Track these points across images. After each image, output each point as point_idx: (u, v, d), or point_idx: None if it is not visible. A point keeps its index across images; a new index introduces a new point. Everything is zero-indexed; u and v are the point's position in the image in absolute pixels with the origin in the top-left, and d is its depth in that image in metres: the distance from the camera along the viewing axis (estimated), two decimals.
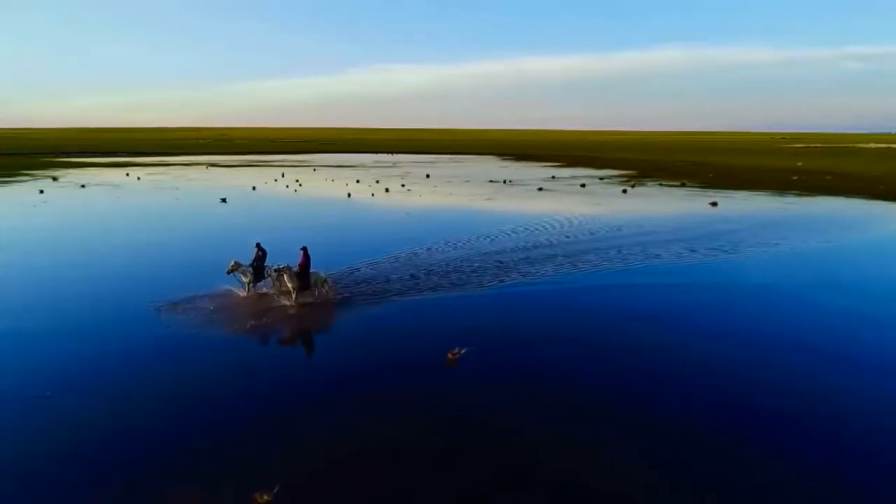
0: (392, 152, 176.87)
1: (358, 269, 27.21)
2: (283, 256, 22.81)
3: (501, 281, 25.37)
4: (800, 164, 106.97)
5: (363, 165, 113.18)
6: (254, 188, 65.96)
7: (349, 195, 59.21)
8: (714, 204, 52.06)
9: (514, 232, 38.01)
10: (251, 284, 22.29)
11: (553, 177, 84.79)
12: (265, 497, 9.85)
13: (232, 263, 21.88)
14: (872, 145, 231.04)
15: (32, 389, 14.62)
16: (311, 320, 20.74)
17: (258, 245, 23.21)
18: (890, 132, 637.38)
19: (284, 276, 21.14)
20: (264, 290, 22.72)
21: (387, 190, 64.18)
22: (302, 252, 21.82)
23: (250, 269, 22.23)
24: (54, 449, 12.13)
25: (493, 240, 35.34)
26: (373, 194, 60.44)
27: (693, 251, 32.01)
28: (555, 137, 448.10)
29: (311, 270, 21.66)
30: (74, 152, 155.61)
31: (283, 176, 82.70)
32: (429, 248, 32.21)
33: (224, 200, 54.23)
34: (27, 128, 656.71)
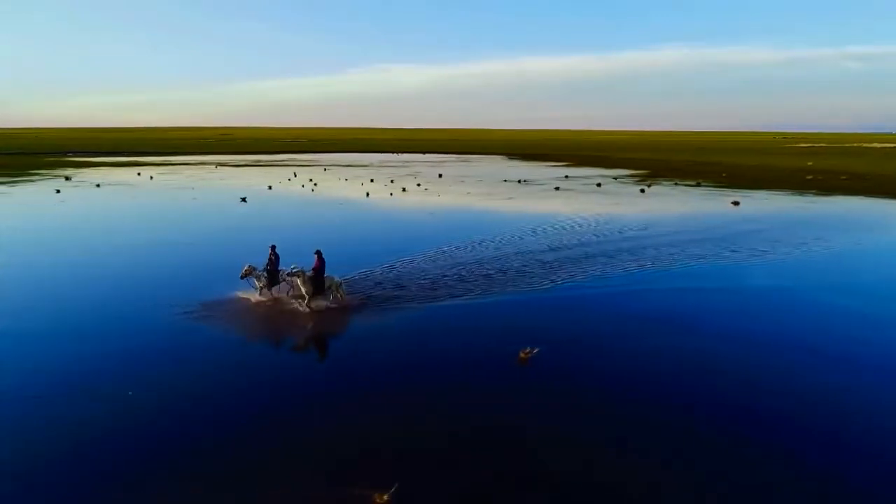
0: (397, 152, 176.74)
1: (393, 267, 27.15)
2: (307, 258, 22.09)
3: (553, 282, 25.01)
4: (810, 163, 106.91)
5: (372, 165, 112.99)
6: (270, 188, 65.77)
7: (367, 194, 59.03)
8: (736, 203, 51.92)
9: (542, 231, 37.84)
10: (265, 289, 21.78)
11: (566, 176, 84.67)
12: (384, 497, 9.68)
13: (246, 268, 21.47)
14: (877, 145, 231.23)
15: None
16: (361, 323, 20.16)
17: (272, 248, 22.64)
18: (891, 132, 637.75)
19: (298, 279, 20.58)
20: (278, 294, 22.15)
21: (403, 189, 64.00)
22: (316, 256, 21.30)
23: (264, 273, 21.75)
24: (78, 451, 12.01)
25: (522, 238, 35.21)
26: (391, 193, 60.27)
27: (734, 251, 31.59)
28: (557, 137, 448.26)
29: (325, 275, 21.07)
30: (78, 152, 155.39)
31: (294, 176, 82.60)
32: (457, 248, 31.99)
33: (244, 200, 54.09)
34: (27, 127, 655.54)
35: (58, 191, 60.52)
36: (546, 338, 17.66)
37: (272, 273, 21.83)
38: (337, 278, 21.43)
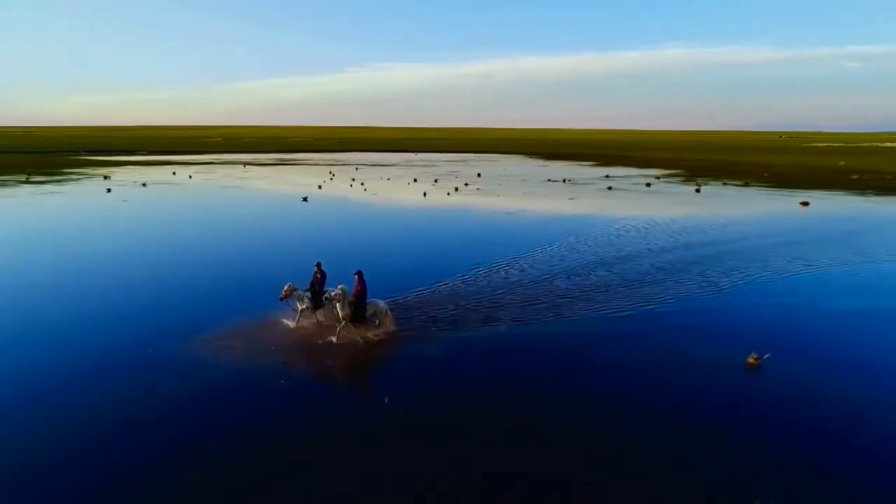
0: (414, 151, 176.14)
1: (512, 264, 26.68)
2: (377, 271, 20.63)
3: (718, 287, 24.26)
4: (842, 163, 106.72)
5: (399, 164, 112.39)
6: (319, 187, 65.15)
7: (425, 194, 58.47)
8: (805, 204, 51.48)
9: (634, 232, 37.32)
10: (308, 312, 18.75)
11: (607, 176, 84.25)
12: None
13: (286, 288, 18.46)
14: (889, 145, 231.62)
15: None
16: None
17: (318, 265, 19.52)
18: (892, 131, 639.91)
19: (336, 304, 17.73)
20: (323, 317, 19.04)
21: (456, 189, 63.43)
22: (356, 277, 18.27)
23: (307, 293, 18.68)
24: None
25: (620, 238, 34.87)
26: (448, 193, 59.72)
27: (867, 258, 29.94)
28: (563, 136, 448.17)
29: (368, 300, 18.17)
30: (91, 151, 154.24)
31: (332, 176, 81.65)
32: (559, 249, 31.65)
33: (305, 199, 53.58)
34: (26, 126, 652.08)
35: (109, 190, 59.84)
36: (770, 346, 17.10)
37: (316, 294, 18.66)
38: (382, 304, 18.34)
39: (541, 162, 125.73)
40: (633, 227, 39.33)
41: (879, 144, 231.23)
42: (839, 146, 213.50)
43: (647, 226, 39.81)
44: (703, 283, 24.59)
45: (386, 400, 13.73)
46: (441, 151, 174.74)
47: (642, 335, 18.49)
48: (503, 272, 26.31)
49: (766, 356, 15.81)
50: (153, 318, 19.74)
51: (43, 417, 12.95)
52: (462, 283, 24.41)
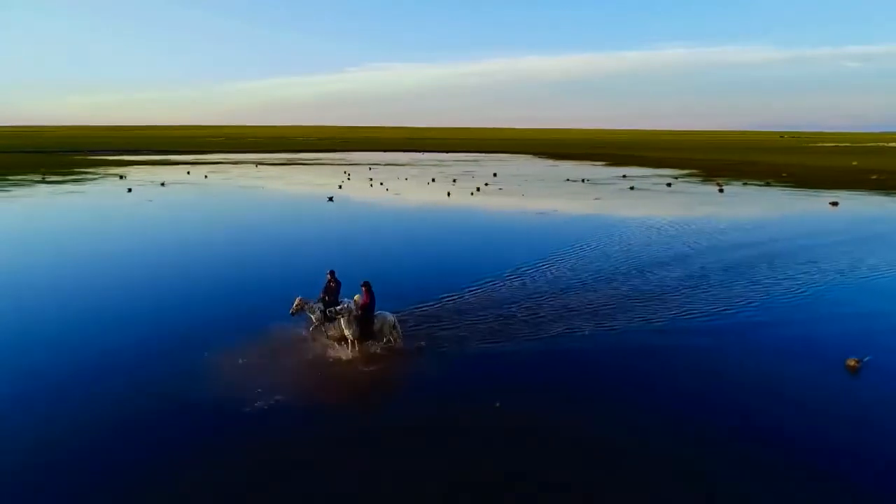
0: (421, 151, 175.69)
1: (557, 264, 26.33)
2: (422, 269, 20.85)
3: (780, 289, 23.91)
4: (855, 163, 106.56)
5: (410, 164, 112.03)
6: (340, 187, 64.76)
7: (449, 195, 58.12)
8: (834, 204, 51.20)
9: (672, 231, 37.04)
10: (321, 325, 17.34)
11: (624, 175, 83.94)
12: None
13: (297, 301, 17.01)
14: (894, 144, 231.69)
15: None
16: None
17: (331, 274, 18.07)
18: (891, 131, 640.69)
19: (342, 320, 16.21)
20: (334, 331, 17.35)
21: (478, 189, 63.11)
22: (364, 289, 16.74)
23: (319, 305, 17.33)
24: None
25: (660, 237, 34.52)
26: (472, 194, 59.39)
27: None
28: (566, 136, 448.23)
29: (376, 312, 16.65)
30: (97, 150, 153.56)
31: (348, 177, 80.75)
32: (620, 246, 31.34)
33: (331, 199, 53.26)
34: (26, 125, 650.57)
35: (129, 190, 59.43)
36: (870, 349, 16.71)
37: (326, 305, 17.33)
38: (391, 317, 16.86)
39: (550, 162, 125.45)
40: (668, 226, 39.05)
41: (885, 144, 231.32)
42: (846, 146, 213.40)
43: (683, 225, 39.52)
44: (778, 286, 24.09)
45: (497, 405, 13.36)
46: (447, 151, 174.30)
47: (725, 341, 18.05)
48: (549, 273, 26.05)
49: (866, 358, 15.49)
50: (206, 319, 19.47)
51: (76, 408, 12.95)
52: (507, 283, 24.18)
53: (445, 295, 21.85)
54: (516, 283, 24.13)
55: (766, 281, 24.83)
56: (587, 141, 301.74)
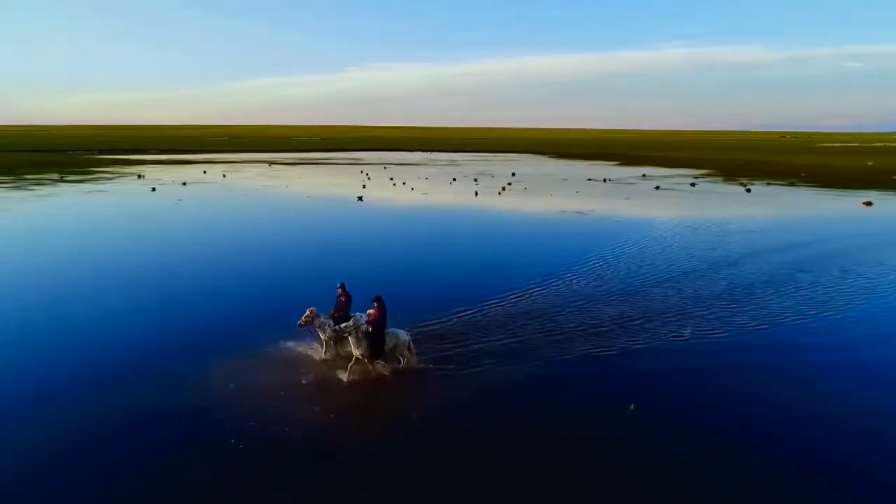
0: (428, 150, 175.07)
1: (612, 265, 25.91)
2: (472, 270, 21.04)
3: None
4: (870, 163, 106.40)
5: (424, 164, 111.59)
6: (364, 186, 64.29)
7: (476, 194, 57.71)
8: (868, 204, 50.86)
9: (716, 229, 36.67)
10: (331, 342, 16.26)
11: (644, 175, 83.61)
12: None
13: (307, 313, 15.89)
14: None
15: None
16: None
17: (341, 287, 17.01)
18: (891, 131, 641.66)
19: (350, 337, 15.09)
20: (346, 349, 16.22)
21: (504, 189, 62.72)
22: (375, 304, 15.48)
23: (329, 321, 16.24)
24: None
25: (706, 237, 34.11)
26: (499, 193, 59.05)
27: None
28: (569, 136, 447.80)
29: (387, 329, 15.46)
30: (104, 150, 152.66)
31: (367, 176, 79.33)
32: (673, 245, 30.92)
33: (360, 199, 52.87)
34: (29, 125, 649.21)
35: (153, 189, 58.99)
36: None
37: (340, 321, 16.16)
38: (404, 335, 15.61)
39: (563, 161, 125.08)
40: (709, 226, 38.67)
41: (892, 144, 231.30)
42: (855, 146, 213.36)
43: (724, 225, 39.23)
44: (867, 290, 23.60)
45: (631, 407, 12.98)
46: (456, 151, 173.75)
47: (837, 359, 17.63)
48: (608, 273, 25.74)
49: None
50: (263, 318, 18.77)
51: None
52: (566, 283, 23.96)
53: (506, 293, 21.96)
54: (590, 284, 23.76)
55: (846, 284, 24.23)
56: (591, 141, 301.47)
